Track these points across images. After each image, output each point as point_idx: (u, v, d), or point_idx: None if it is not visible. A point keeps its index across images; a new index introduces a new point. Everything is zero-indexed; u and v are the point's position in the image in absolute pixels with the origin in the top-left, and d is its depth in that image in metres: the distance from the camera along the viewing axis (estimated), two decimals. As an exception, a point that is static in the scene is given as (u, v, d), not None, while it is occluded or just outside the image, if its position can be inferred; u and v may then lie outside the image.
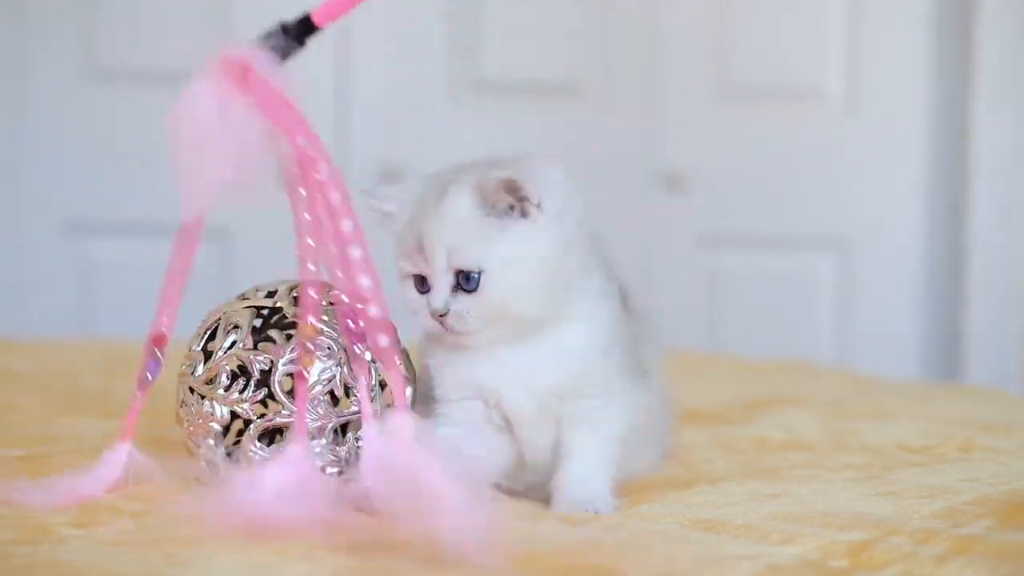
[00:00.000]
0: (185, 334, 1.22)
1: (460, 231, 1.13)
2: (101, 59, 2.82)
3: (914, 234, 2.95)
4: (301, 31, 1.15)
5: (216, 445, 1.14)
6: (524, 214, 1.13)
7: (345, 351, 1.14)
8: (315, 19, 1.16)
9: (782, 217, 2.96)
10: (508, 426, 1.20)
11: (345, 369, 1.14)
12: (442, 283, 1.13)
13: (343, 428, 1.15)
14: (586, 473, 1.18)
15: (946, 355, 2.93)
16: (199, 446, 1.15)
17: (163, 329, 1.16)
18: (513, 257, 1.12)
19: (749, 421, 1.66)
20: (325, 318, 1.15)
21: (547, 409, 1.18)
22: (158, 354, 1.16)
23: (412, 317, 1.17)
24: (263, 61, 1.10)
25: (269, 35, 1.12)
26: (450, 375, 1.19)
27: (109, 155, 2.81)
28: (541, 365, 1.17)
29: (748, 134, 2.96)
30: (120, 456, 1.14)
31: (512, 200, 1.12)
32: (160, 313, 1.17)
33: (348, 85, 2.85)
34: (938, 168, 2.95)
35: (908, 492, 1.20)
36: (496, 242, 1.12)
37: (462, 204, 1.13)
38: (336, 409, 1.14)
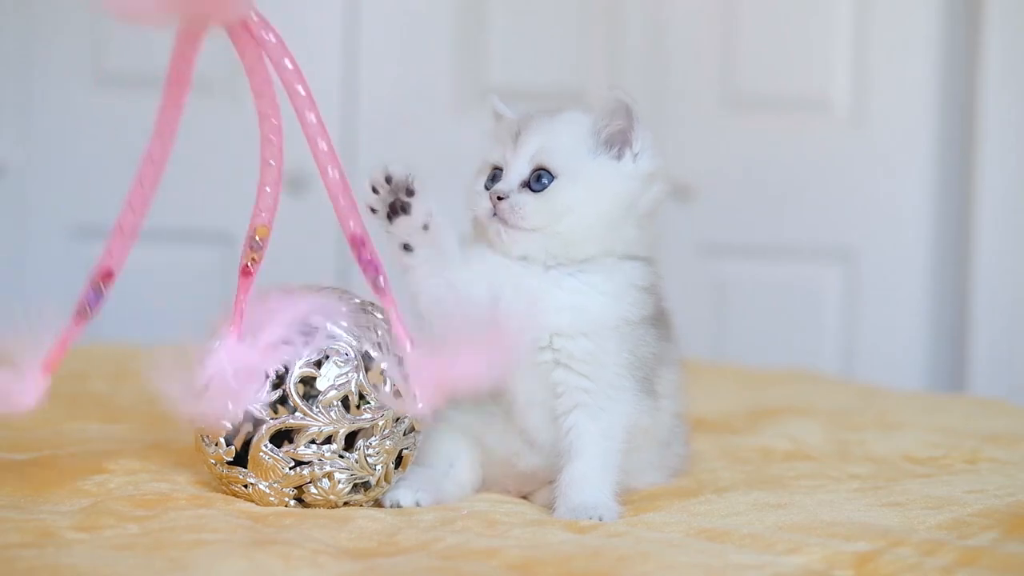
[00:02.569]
0: (193, 338, 1.22)
1: (561, 135, 1.19)
2: (109, 64, 2.82)
3: (920, 245, 2.95)
4: None
5: (227, 444, 1.15)
6: (620, 156, 1.19)
7: (362, 357, 1.14)
8: None
9: (788, 228, 2.96)
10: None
11: (361, 375, 1.14)
12: (517, 172, 1.19)
13: (353, 436, 1.15)
14: (590, 477, 1.18)
15: (952, 366, 2.92)
16: (209, 444, 1.15)
17: (112, 265, 1.11)
18: (588, 180, 1.19)
19: (754, 431, 1.66)
20: (344, 324, 1.15)
21: (539, 353, 1.18)
22: (102, 288, 1.11)
23: (470, 205, 1.22)
24: None
25: None
26: (480, 262, 1.21)
27: (117, 160, 2.80)
28: (555, 309, 1.18)
29: (754, 144, 2.96)
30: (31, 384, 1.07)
31: (620, 126, 1.18)
32: (111, 246, 1.13)
33: (354, 92, 2.85)
34: (944, 179, 2.94)
35: (914, 503, 1.20)
36: (583, 159, 1.19)
37: (575, 119, 1.21)
38: (349, 415, 1.14)
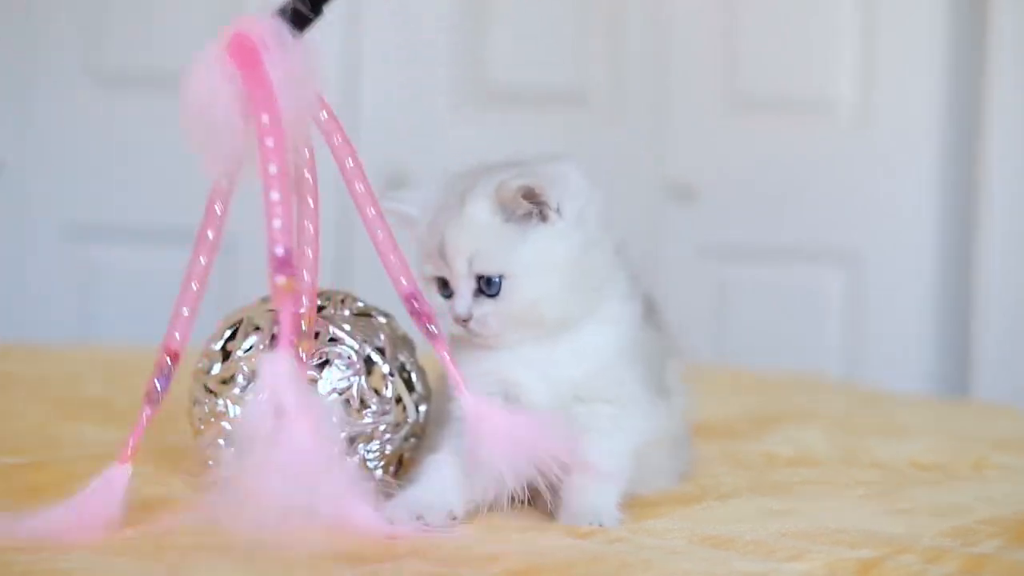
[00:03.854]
0: (190, 340, 1.21)
1: (480, 237, 1.13)
2: (106, 63, 2.82)
3: (925, 248, 2.94)
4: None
5: (227, 445, 1.14)
6: (544, 218, 1.13)
7: (364, 361, 1.13)
8: None
9: (791, 229, 2.95)
10: None
11: (362, 379, 1.13)
12: (464, 289, 1.14)
13: (353, 440, 1.14)
14: (594, 485, 1.16)
15: (957, 370, 2.92)
16: (209, 446, 1.15)
17: (177, 344, 1.10)
18: (534, 262, 1.12)
19: (757, 436, 1.65)
20: (347, 327, 1.15)
21: (563, 405, 1.17)
22: (170, 370, 1.09)
23: (440, 320, 1.17)
24: (278, 35, 1.07)
25: (284, 6, 1.10)
26: (474, 368, 1.17)
27: (114, 160, 2.81)
28: (562, 361, 1.16)
29: (757, 145, 2.95)
30: (120, 480, 1.06)
31: (531, 206, 1.12)
32: (173, 326, 1.11)
33: (355, 92, 2.85)
34: (950, 181, 2.94)
35: (919, 510, 1.19)
36: (517, 248, 1.13)
37: (482, 210, 1.13)
38: (349, 420, 1.13)
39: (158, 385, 1.08)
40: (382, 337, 1.18)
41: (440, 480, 1.15)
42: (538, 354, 1.16)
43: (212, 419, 1.14)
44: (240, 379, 1.14)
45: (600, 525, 1.13)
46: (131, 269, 2.80)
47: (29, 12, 2.77)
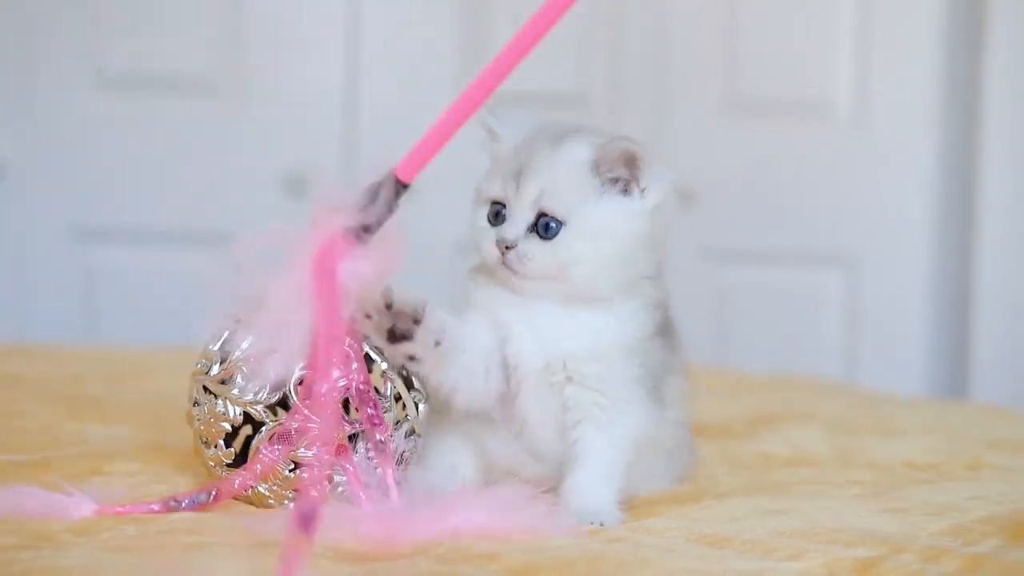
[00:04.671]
0: (190, 339, 1.21)
1: (564, 176, 1.14)
2: (109, 66, 2.82)
3: (922, 250, 2.94)
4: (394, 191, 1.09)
5: (227, 446, 1.14)
6: (627, 191, 1.15)
7: (364, 359, 1.14)
8: (400, 176, 1.12)
9: (789, 232, 2.95)
10: (511, 398, 1.20)
11: (361, 378, 1.13)
12: (522, 217, 1.14)
13: (353, 439, 1.14)
14: (594, 483, 1.17)
15: (954, 372, 2.92)
16: (208, 446, 1.15)
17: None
18: (599, 224, 1.14)
19: (755, 436, 1.65)
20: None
21: (552, 376, 1.17)
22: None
23: (474, 245, 1.18)
24: (350, 249, 1.03)
25: (369, 195, 1.09)
26: (479, 303, 1.19)
27: (116, 162, 2.81)
28: (560, 332, 1.17)
29: (756, 148, 2.95)
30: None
31: (624, 175, 1.14)
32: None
33: (357, 92, 2.85)
34: (947, 183, 2.94)
35: (915, 509, 1.20)
36: (590, 203, 1.14)
37: (577, 154, 1.15)
38: (349, 418, 1.13)
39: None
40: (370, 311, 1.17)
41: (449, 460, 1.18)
42: (542, 321, 1.17)
43: (211, 420, 1.15)
44: (239, 379, 1.14)
45: (601, 524, 1.13)
46: (133, 270, 2.81)
47: (32, 14, 2.78)
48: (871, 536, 1.08)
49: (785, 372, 2.49)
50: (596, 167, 1.14)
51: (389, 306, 1.11)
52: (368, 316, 1.10)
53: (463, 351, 1.16)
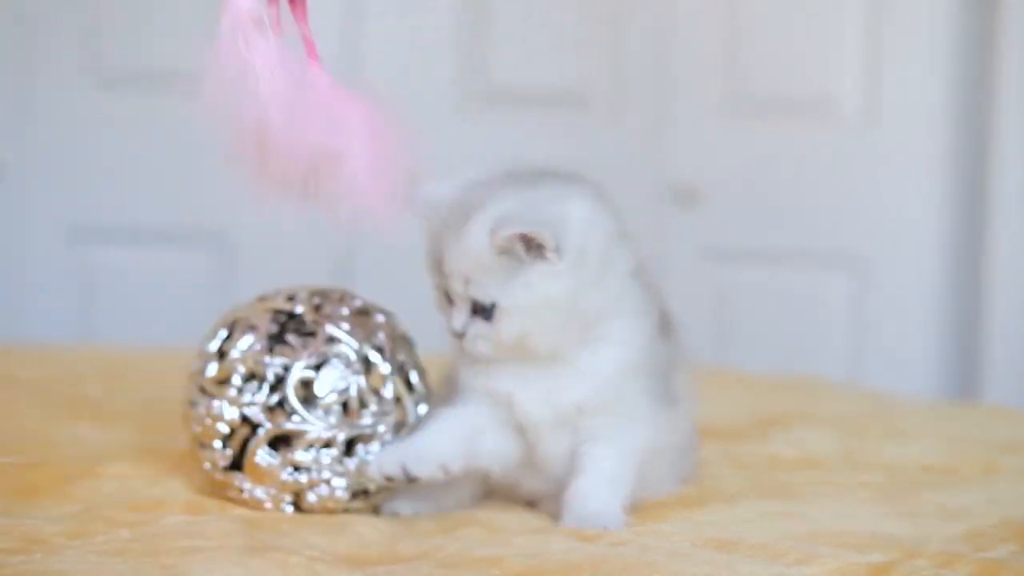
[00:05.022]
0: (188, 340, 1.20)
1: (476, 265, 1.12)
2: (107, 64, 2.80)
3: (931, 250, 2.92)
4: None
5: (223, 447, 1.12)
6: (542, 257, 1.11)
7: (363, 361, 1.12)
8: None
9: (795, 232, 2.93)
10: (523, 434, 1.18)
11: (361, 380, 1.12)
12: (462, 307, 1.13)
13: (352, 442, 1.13)
14: (598, 488, 1.15)
15: (964, 375, 2.90)
16: (205, 447, 1.13)
17: None
18: (526, 298, 1.11)
19: (761, 438, 1.63)
20: (345, 326, 1.14)
21: (566, 422, 1.16)
22: None
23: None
24: None
25: None
26: (474, 382, 1.17)
27: (114, 161, 2.80)
28: (564, 384, 1.15)
29: (760, 147, 2.93)
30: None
31: (526, 256, 1.10)
32: None
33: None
34: (956, 183, 2.92)
35: (928, 513, 1.18)
36: (511, 281, 1.11)
37: (479, 241, 1.11)
38: (348, 421, 1.12)
39: None
40: (381, 336, 1.16)
41: (437, 433, 1.15)
42: (539, 375, 1.15)
43: (208, 420, 1.13)
44: (236, 380, 1.12)
45: (605, 528, 1.11)
46: (131, 270, 2.79)
47: (31, 14, 2.76)
48: (883, 540, 1.06)
49: (790, 373, 2.47)
50: (500, 251, 1.11)
51: (390, 479, 1.13)
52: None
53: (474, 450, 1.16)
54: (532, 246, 1.10)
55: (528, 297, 1.11)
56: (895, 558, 1.01)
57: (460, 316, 1.13)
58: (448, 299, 1.15)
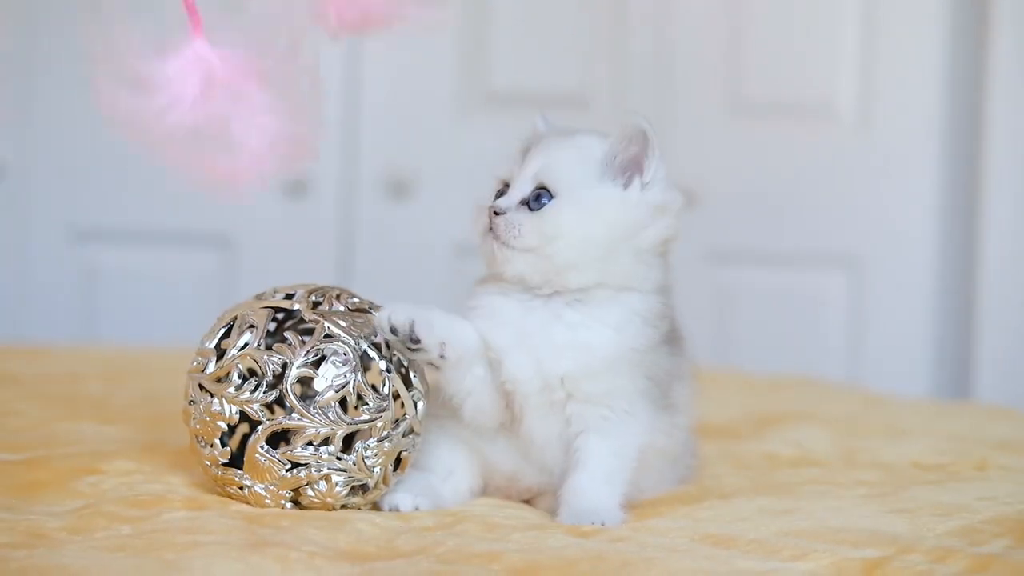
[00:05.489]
0: (189, 339, 1.20)
1: (568, 156, 1.17)
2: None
3: (926, 251, 2.92)
4: None
5: (223, 444, 1.13)
6: (627, 184, 1.16)
7: (361, 358, 1.12)
8: None
9: (793, 234, 2.94)
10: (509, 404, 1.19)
11: (359, 376, 1.12)
12: (519, 189, 1.17)
13: (351, 438, 1.13)
14: (595, 484, 1.16)
15: (959, 374, 2.90)
16: (204, 445, 1.13)
17: None
18: (585, 204, 1.15)
19: (759, 436, 1.64)
20: (342, 323, 1.14)
21: (553, 398, 1.16)
22: None
23: (474, 220, 1.20)
24: None
25: None
26: (477, 315, 1.19)
27: (115, 162, 2.79)
28: (556, 353, 1.16)
29: (759, 150, 2.93)
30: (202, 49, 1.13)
31: (634, 153, 1.16)
32: None
33: (357, 96, 2.84)
34: (951, 185, 2.92)
35: (923, 510, 1.18)
36: (586, 183, 1.16)
37: (586, 142, 1.18)
38: (347, 417, 1.12)
39: None
40: (379, 333, 1.16)
41: (453, 318, 1.17)
42: (535, 337, 1.15)
43: (207, 418, 1.13)
44: (235, 377, 1.12)
45: (602, 524, 1.12)
46: (133, 271, 2.80)
47: (31, 14, 2.77)
48: (878, 536, 1.07)
49: (789, 373, 2.47)
50: (608, 150, 1.17)
51: (393, 331, 1.14)
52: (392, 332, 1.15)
53: (476, 363, 1.17)
54: (640, 151, 1.16)
55: (589, 203, 1.15)
56: (890, 553, 1.01)
57: (511, 196, 1.17)
58: (500, 194, 1.18)
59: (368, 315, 1.17)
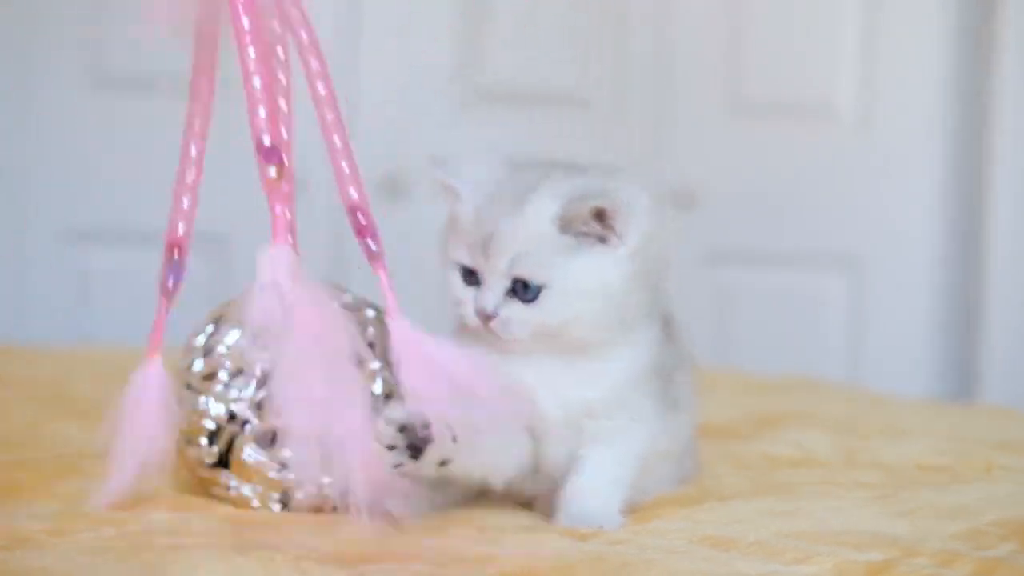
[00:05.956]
0: (183, 341, 1.18)
1: (533, 241, 1.07)
2: (107, 67, 2.80)
3: (928, 252, 2.91)
4: None
5: (209, 444, 1.11)
6: (603, 240, 1.08)
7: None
8: None
9: (793, 234, 2.93)
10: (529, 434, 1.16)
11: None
12: (496, 285, 1.08)
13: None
14: (595, 488, 1.14)
15: (961, 375, 2.89)
16: (191, 445, 1.11)
17: (180, 232, 1.10)
18: (581, 282, 1.07)
19: (759, 437, 1.62)
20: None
21: (574, 424, 1.14)
22: (176, 257, 1.09)
23: (452, 307, 1.12)
24: None
25: None
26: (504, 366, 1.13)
27: (111, 163, 2.79)
28: (579, 382, 1.12)
29: (759, 150, 2.92)
30: (156, 373, 1.08)
31: (597, 230, 1.07)
32: (174, 217, 1.12)
33: (355, 94, 2.82)
34: (954, 185, 2.91)
35: (926, 512, 1.16)
36: (567, 262, 1.07)
37: (543, 215, 1.07)
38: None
39: (169, 278, 1.08)
40: (371, 331, 1.14)
41: None
42: (554, 370, 1.12)
43: (194, 417, 1.11)
44: (223, 375, 1.10)
45: (600, 527, 1.10)
46: (127, 273, 2.78)
47: (30, 15, 2.76)
48: (882, 539, 1.05)
49: (789, 373, 2.46)
50: (566, 225, 1.07)
51: (403, 428, 1.04)
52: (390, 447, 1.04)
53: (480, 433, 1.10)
54: (605, 224, 1.06)
55: (582, 281, 1.07)
56: (894, 556, 1.00)
57: (491, 295, 1.08)
58: (469, 280, 1.10)
59: (360, 314, 1.15)
